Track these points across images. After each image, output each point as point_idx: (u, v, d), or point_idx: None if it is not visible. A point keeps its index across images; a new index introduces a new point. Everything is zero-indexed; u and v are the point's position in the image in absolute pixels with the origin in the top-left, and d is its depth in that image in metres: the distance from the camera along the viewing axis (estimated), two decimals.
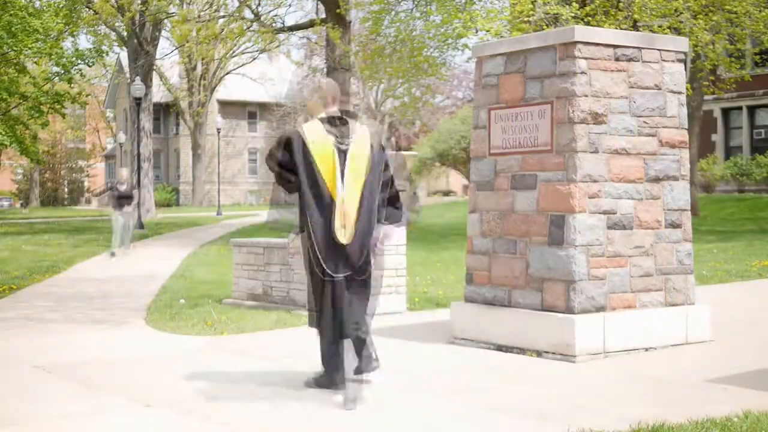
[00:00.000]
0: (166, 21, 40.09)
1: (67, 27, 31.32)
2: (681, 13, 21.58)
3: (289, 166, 6.49)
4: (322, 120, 6.57)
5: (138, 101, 33.89)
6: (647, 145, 8.04)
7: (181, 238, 26.98)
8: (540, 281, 7.87)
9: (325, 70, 34.32)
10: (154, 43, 39.04)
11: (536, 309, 7.86)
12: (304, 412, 6.10)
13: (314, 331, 6.69)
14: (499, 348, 7.93)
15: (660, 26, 21.98)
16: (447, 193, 64.99)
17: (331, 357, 6.57)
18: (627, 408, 5.87)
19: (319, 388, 6.62)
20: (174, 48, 51.11)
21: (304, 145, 6.43)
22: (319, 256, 6.38)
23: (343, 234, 6.35)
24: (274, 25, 37.86)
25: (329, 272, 6.39)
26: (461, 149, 49.57)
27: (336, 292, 6.42)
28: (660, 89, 8.15)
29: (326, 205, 6.37)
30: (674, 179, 8.19)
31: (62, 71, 30.45)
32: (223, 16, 40.07)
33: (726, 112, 37.19)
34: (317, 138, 6.47)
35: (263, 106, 69.77)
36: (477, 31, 22.05)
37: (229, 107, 67.92)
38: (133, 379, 7.27)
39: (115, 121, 75.49)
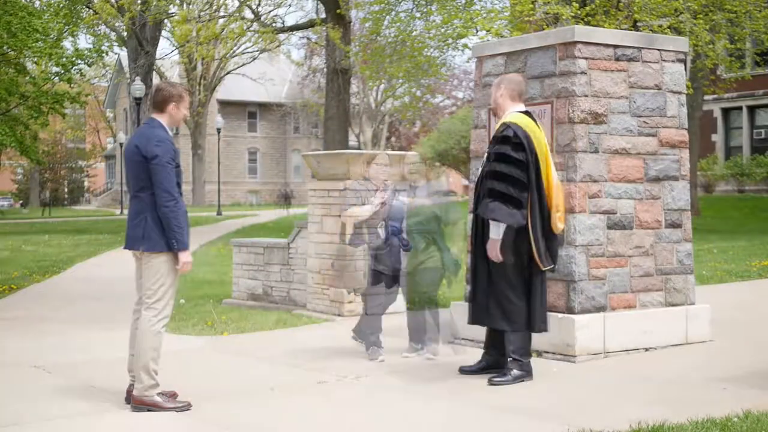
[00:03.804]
0: (166, 21, 40.05)
1: (67, 27, 31.22)
2: (681, 13, 21.56)
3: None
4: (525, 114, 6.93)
5: (138, 101, 33.86)
6: (647, 145, 8.03)
7: None
8: None
9: (325, 70, 34.31)
10: (154, 43, 38.95)
11: None
12: (304, 412, 6.10)
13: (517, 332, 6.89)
14: None
15: (660, 26, 21.94)
16: (447, 194, 64.96)
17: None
18: (627, 408, 5.87)
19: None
20: (174, 48, 51.06)
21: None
22: (541, 247, 6.70)
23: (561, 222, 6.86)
24: (274, 25, 37.87)
25: (550, 264, 6.78)
26: (461, 149, 49.52)
27: (544, 284, 6.88)
28: (660, 89, 8.15)
29: (544, 197, 6.71)
30: (674, 179, 8.19)
31: (62, 71, 30.37)
32: (223, 16, 40.08)
33: (726, 112, 37.13)
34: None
35: (263, 106, 69.71)
36: (477, 31, 22.06)
37: (229, 107, 67.85)
38: None
39: (115, 121, 75.41)
